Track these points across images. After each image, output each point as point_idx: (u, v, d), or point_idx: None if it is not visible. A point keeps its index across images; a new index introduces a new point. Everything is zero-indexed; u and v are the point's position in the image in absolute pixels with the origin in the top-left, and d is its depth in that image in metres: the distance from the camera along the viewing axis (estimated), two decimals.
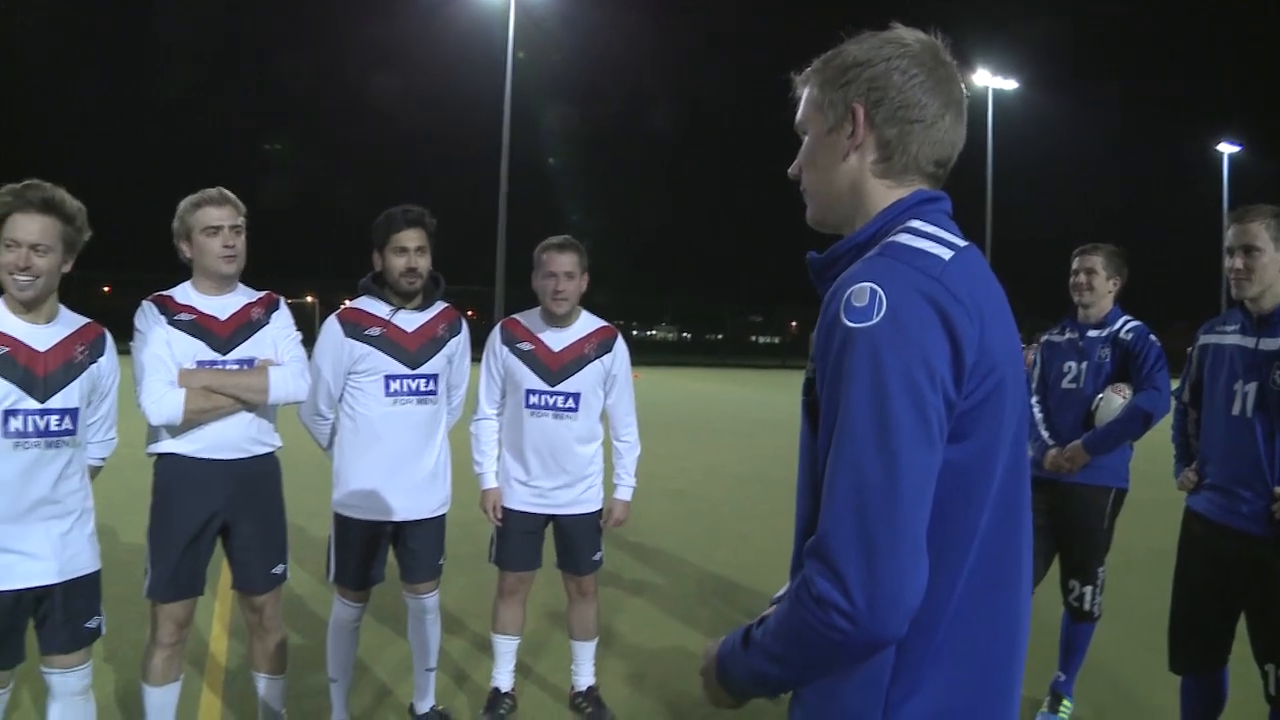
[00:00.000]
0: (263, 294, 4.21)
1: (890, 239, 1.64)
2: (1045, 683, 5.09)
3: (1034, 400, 5.16)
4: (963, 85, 1.78)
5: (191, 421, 3.89)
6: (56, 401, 3.44)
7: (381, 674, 5.45)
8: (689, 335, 77.73)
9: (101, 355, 3.63)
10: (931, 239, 1.62)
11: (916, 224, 1.66)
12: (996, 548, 1.60)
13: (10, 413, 3.35)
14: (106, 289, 45.83)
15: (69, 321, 3.56)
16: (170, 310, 3.99)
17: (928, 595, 1.51)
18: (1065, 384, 5.02)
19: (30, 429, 3.39)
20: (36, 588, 3.45)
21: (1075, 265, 5.04)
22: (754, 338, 72.43)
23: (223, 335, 4.01)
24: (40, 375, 3.41)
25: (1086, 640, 5.06)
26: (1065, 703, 5.03)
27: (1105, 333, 4.94)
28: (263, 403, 4.03)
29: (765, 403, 26.28)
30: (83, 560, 3.58)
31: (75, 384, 3.51)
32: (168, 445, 3.98)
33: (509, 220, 40.23)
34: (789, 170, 1.88)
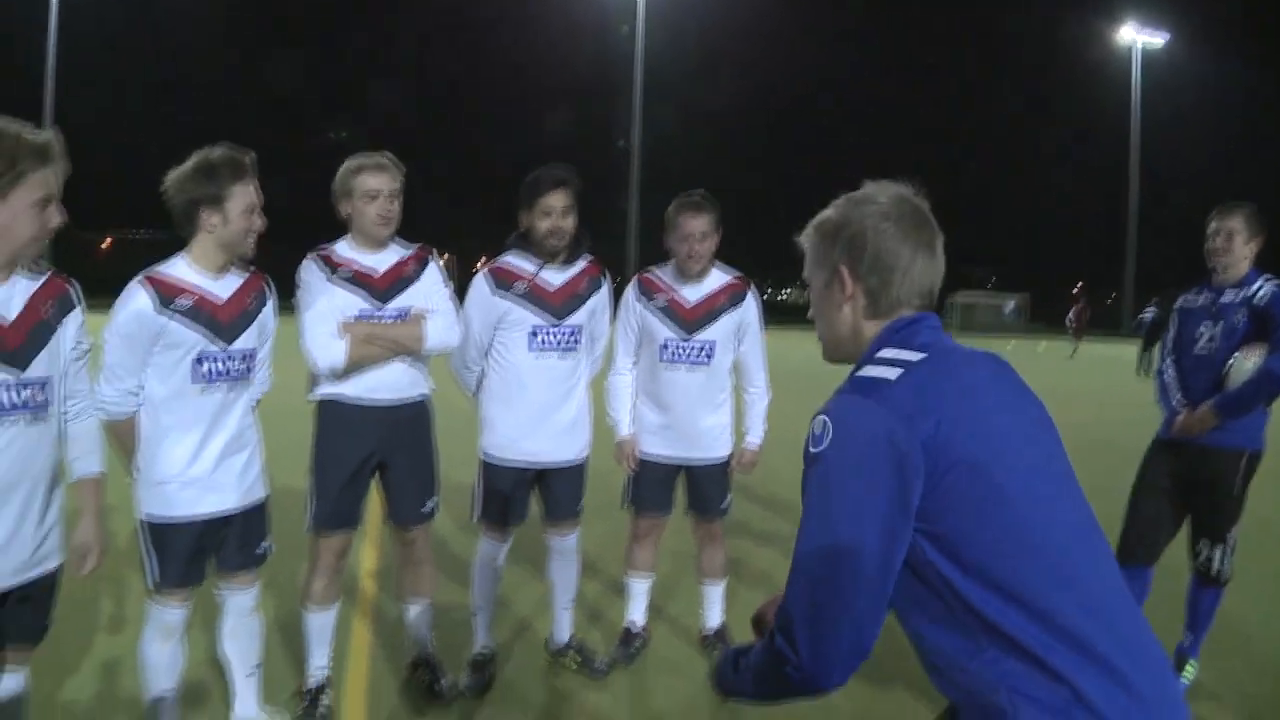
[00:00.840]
0: (415, 249, 4.49)
1: (857, 373, 1.98)
2: (1171, 645, 5.09)
3: (1169, 362, 5.14)
4: (933, 224, 2.07)
5: (353, 368, 4.21)
6: (238, 345, 3.79)
7: (521, 609, 5.78)
8: None
9: (267, 302, 3.96)
10: (887, 364, 1.93)
11: (883, 352, 1.98)
12: (1029, 584, 1.80)
13: (201, 358, 3.70)
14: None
15: (239, 272, 3.89)
16: (331, 265, 4.30)
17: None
18: (1199, 347, 4.97)
19: (218, 372, 3.74)
20: (223, 514, 3.82)
21: (1213, 227, 4.95)
22: None
23: (380, 288, 4.31)
24: (224, 322, 3.74)
25: (1214, 604, 5.02)
26: (1190, 665, 5.04)
27: (1240, 295, 4.85)
28: (419, 351, 4.33)
29: None
30: (258, 489, 3.95)
31: (252, 328, 3.85)
32: (328, 390, 4.31)
33: (640, 175, 40.53)
34: (808, 314, 2.20)
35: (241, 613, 4.06)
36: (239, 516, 3.87)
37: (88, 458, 3.40)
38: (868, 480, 1.81)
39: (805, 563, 1.86)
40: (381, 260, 4.36)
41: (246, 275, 3.91)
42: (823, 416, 1.89)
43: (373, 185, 4.25)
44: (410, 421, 4.43)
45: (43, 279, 3.16)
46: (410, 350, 4.32)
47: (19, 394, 3.02)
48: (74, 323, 3.23)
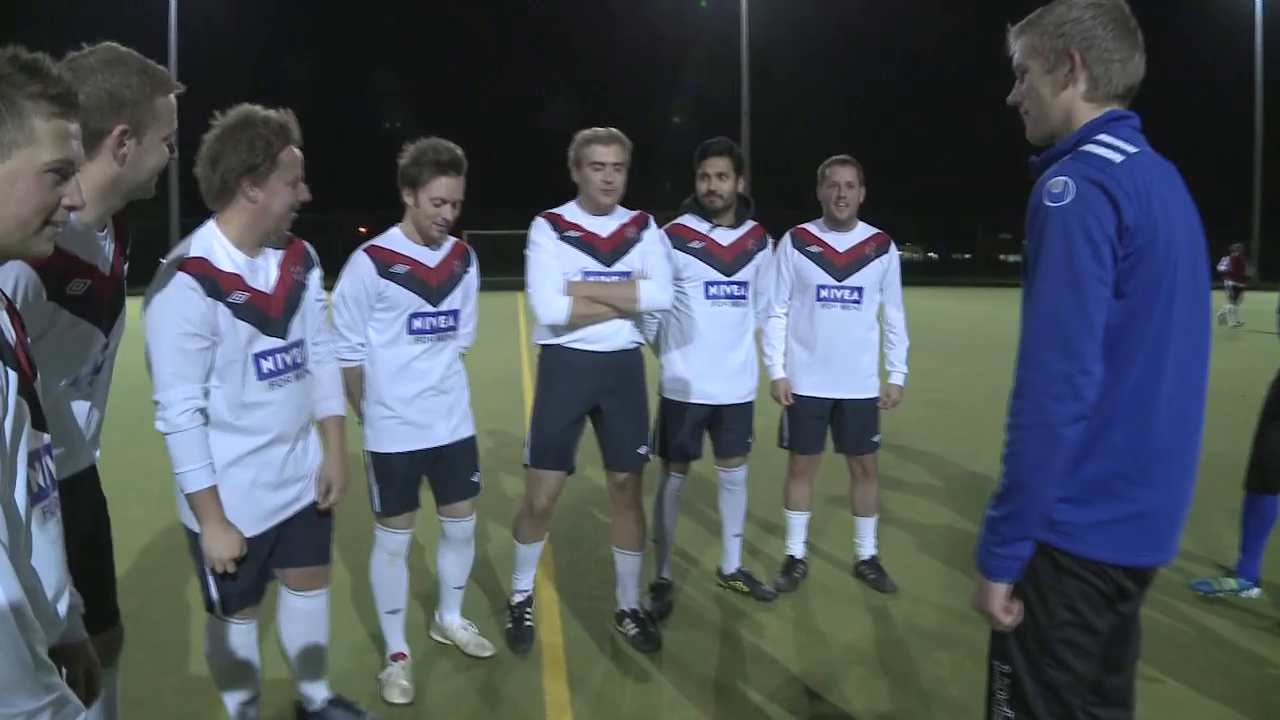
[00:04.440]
0: (636, 214, 4.88)
1: (1082, 148, 2.31)
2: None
3: None
4: (1138, 29, 2.39)
5: (574, 324, 4.63)
6: (444, 305, 4.35)
7: (682, 543, 6.25)
8: (935, 255, 76.16)
9: (470, 267, 4.49)
10: (1110, 148, 2.28)
11: (1103, 137, 2.32)
12: (1151, 369, 2.26)
13: (415, 315, 4.27)
14: (363, 229, 49.97)
15: (446, 243, 4.41)
16: (560, 227, 4.72)
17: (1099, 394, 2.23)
18: None
19: (428, 327, 4.32)
20: (438, 447, 4.39)
21: None
22: (1003, 256, 70.12)
23: (605, 250, 4.71)
24: (434, 286, 4.30)
25: None
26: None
27: None
28: (634, 310, 4.70)
29: (1015, 319, 25.64)
30: (465, 426, 4.51)
31: (457, 290, 4.40)
32: (553, 339, 4.73)
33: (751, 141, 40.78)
34: (1009, 99, 2.53)
35: (460, 541, 4.65)
36: (449, 450, 4.43)
37: (332, 400, 3.83)
38: (1102, 228, 2.17)
39: (1053, 296, 2.21)
40: (606, 225, 4.75)
41: (452, 244, 4.42)
42: (1064, 178, 2.22)
43: (601, 155, 4.63)
44: (625, 368, 4.80)
45: (286, 244, 3.57)
46: (627, 310, 4.67)
47: (287, 357, 3.50)
48: (315, 277, 3.68)
